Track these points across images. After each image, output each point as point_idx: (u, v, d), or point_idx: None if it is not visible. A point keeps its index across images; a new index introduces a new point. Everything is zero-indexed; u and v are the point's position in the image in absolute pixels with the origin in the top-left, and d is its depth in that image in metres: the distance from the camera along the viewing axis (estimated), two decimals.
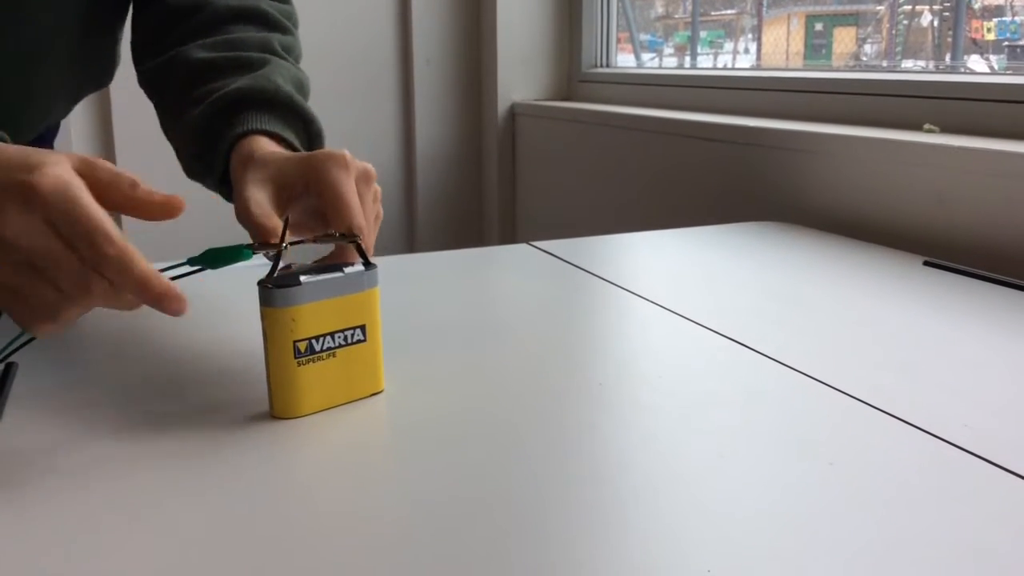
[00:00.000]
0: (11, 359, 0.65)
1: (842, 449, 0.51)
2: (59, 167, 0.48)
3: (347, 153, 0.63)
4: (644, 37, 2.17)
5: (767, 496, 0.45)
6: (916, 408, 0.56)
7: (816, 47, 1.70)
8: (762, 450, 0.51)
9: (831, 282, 0.86)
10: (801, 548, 0.41)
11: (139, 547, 0.41)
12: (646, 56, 2.13)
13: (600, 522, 0.43)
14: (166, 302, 0.49)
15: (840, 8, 1.67)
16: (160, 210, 0.53)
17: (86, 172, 0.50)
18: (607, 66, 2.08)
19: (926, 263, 0.93)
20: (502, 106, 2.12)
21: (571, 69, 2.13)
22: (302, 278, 0.54)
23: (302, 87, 0.80)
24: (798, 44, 1.72)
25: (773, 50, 1.78)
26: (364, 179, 0.64)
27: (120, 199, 0.51)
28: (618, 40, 2.08)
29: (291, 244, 0.57)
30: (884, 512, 0.44)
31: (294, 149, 0.73)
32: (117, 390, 0.61)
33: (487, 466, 0.49)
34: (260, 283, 0.54)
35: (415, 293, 0.85)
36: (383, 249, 2.15)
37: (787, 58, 1.73)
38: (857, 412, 0.56)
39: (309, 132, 0.76)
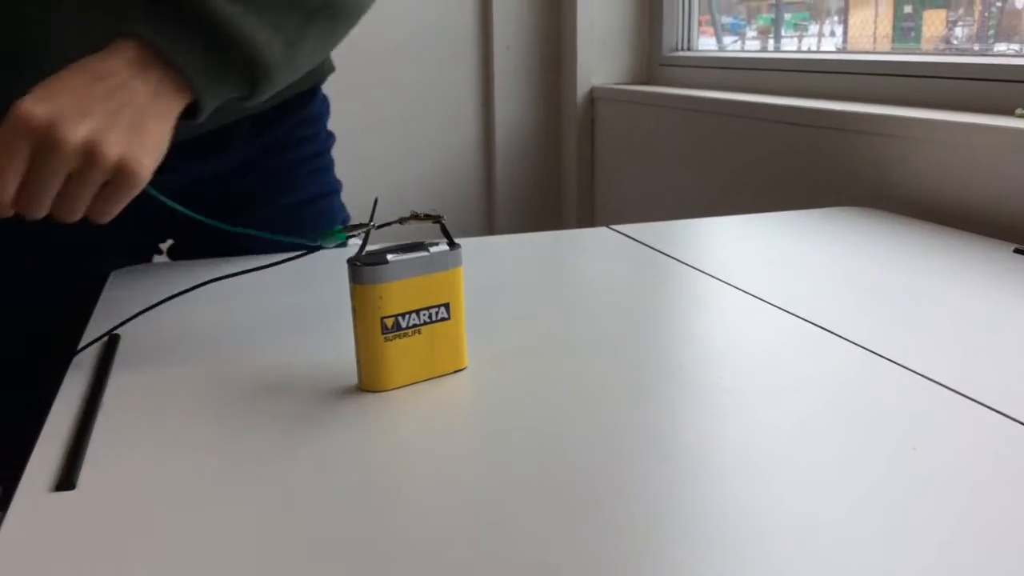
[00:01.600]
0: (115, 331, 0.68)
1: (926, 434, 0.50)
2: None
3: (34, 111, 0.55)
4: (726, 20, 2.14)
5: (848, 479, 0.46)
6: (1002, 395, 0.56)
7: (905, 30, 1.66)
8: (844, 434, 0.51)
9: (917, 269, 0.85)
10: (883, 531, 0.41)
11: (232, 507, 0.44)
12: (728, 39, 2.11)
13: (679, 499, 0.44)
14: None
15: None
16: None
17: None
18: (688, 49, 2.06)
19: (1016, 251, 0.91)
20: (581, 90, 2.12)
21: (652, 52, 2.11)
22: (389, 257, 0.56)
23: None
24: (886, 27, 1.68)
25: (860, 33, 1.74)
26: (47, 147, 0.55)
27: None
28: (699, 23, 2.06)
29: (379, 226, 0.59)
30: (969, 497, 0.44)
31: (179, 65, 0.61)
32: (212, 363, 0.63)
33: (566, 442, 0.50)
34: (349, 261, 0.56)
35: (496, 274, 0.86)
36: (462, 232, 2.17)
37: (874, 41, 1.69)
38: (942, 398, 0.55)
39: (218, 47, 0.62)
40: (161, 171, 0.86)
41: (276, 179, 0.92)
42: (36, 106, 0.55)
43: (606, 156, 2.11)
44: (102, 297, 0.80)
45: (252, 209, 0.92)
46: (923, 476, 0.46)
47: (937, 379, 0.58)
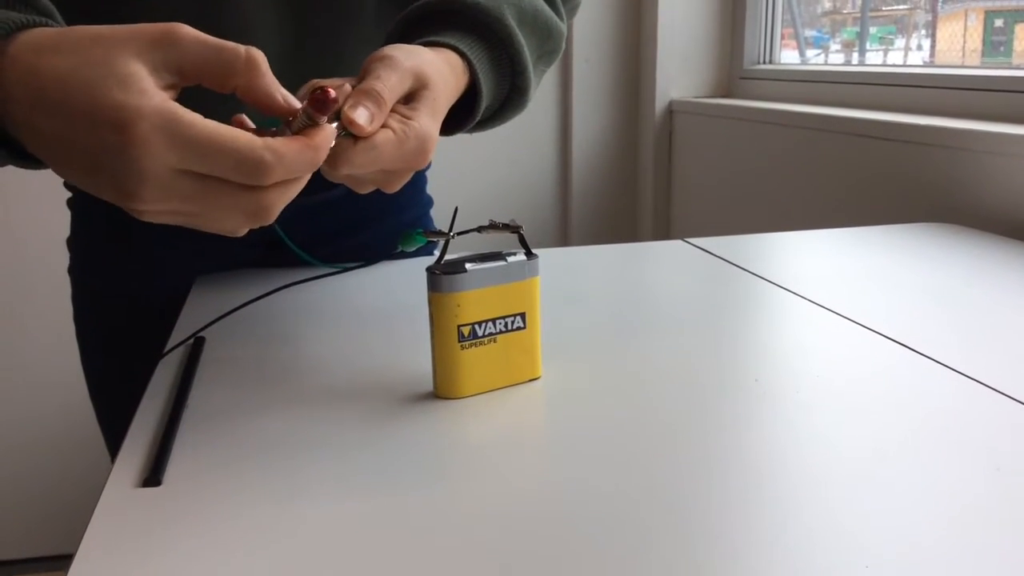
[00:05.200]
0: (200, 334, 0.70)
1: (1010, 455, 0.49)
2: (144, 121, 0.44)
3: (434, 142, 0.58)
4: (809, 33, 2.11)
5: (929, 497, 0.45)
6: None
7: (995, 44, 1.61)
8: (924, 452, 0.50)
9: (1004, 287, 0.83)
10: (963, 551, 0.40)
11: (309, 507, 0.45)
12: (811, 52, 2.08)
13: (755, 516, 0.43)
14: (325, 152, 0.49)
15: (1023, 3, 1.59)
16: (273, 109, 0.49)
17: (174, 65, 0.47)
18: (770, 63, 2.04)
19: None
20: (660, 103, 2.12)
21: (732, 66, 2.10)
22: (467, 265, 0.57)
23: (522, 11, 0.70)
24: (975, 41, 1.64)
25: (948, 47, 1.71)
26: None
27: (233, 87, 0.48)
28: (782, 36, 2.04)
29: (458, 234, 0.60)
30: None
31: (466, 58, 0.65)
32: (293, 366, 0.65)
33: (640, 455, 0.50)
34: (428, 269, 0.57)
35: (571, 285, 0.87)
36: (537, 242, 2.19)
37: (963, 55, 1.66)
38: None
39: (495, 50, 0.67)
40: None
41: (381, 203, 0.94)
42: (436, 135, 0.58)
43: (683, 169, 2.10)
44: (188, 301, 0.82)
45: (359, 231, 0.94)
46: (1007, 496, 0.45)
47: (1021, 399, 0.57)
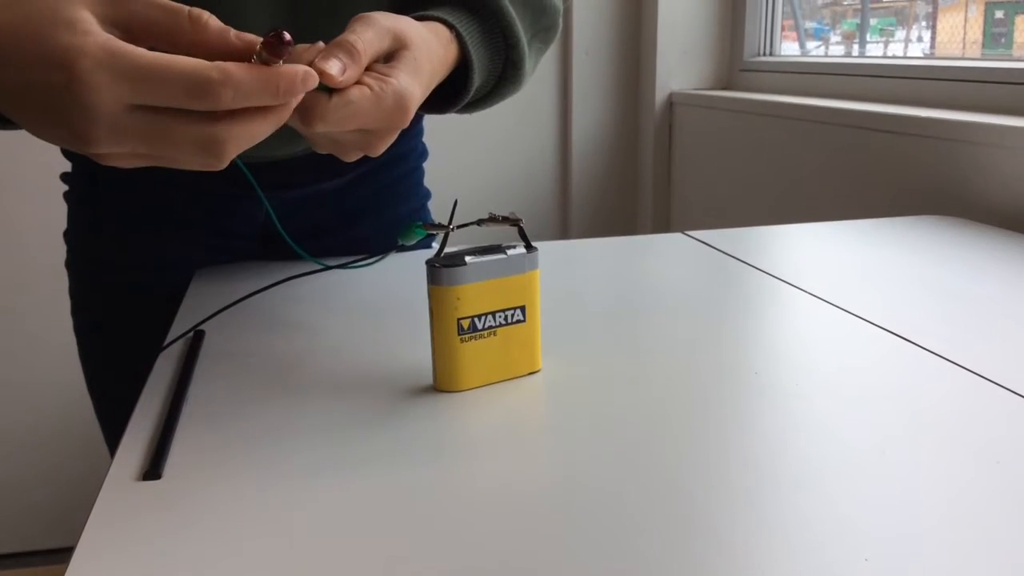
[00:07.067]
0: (200, 327, 0.70)
1: (1010, 448, 0.49)
2: (86, 58, 0.45)
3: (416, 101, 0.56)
4: (810, 25, 2.11)
5: (928, 490, 0.45)
6: None
7: (996, 36, 1.61)
8: (924, 445, 0.50)
9: (1005, 280, 0.83)
10: (962, 544, 0.40)
11: (309, 500, 0.45)
12: (811, 44, 2.08)
13: (755, 508, 0.43)
14: (292, 86, 0.47)
15: None
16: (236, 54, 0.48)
17: (122, 22, 0.48)
18: (770, 55, 2.03)
19: None
20: (660, 95, 2.11)
21: (732, 58, 2.09)
22: (467, 259, 0.56)
23: None
24: (976, 32, 1.64)
25: (949, 39, 1.70)
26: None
27: (185, 45, 0.48)
28: (782, 28, 2.03)
29: (457, 227, 0.60)
30: None
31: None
32: (292, 359, 0.65)
33: (640, 448, 0.50)
34: (428, 262, 0.56)
35: (571, 278, 0.86)
36: (537, 235, 2.18)
37: (963, 47, 1.65)
38: None
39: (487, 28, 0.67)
40: (272, 188, 0.89)
41: (379, 196, 0.94)
42: (418, 95, 0.57)
43: (683, 162, 2.10)
44: (187, 294, 0.82)
45: (355, 224, 0.94)
46: (1007, 490, 0.45)
47: (1022, 392, 0.57)
